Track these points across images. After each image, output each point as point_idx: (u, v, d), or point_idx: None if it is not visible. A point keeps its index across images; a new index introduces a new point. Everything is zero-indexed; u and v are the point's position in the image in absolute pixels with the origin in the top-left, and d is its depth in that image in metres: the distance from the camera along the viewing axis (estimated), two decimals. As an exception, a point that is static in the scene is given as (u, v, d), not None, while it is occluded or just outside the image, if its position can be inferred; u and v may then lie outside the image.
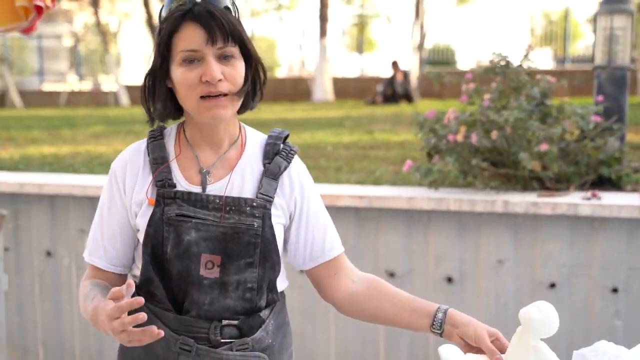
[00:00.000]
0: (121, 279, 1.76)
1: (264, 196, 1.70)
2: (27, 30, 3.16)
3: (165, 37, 1.64)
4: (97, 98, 23.68)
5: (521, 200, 3.55)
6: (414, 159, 4.12)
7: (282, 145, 1.77)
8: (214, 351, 1.68)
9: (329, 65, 17.34)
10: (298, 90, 18.35)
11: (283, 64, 33.13)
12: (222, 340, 1.69)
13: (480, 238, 3.66)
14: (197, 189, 1.69)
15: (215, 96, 1.62)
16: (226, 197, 1.68)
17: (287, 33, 36.45)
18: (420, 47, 17.48)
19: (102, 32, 22.73)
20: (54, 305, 4.32)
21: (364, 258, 3.83)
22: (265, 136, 1.80)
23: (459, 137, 3.59)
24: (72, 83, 30.60)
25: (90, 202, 4.13)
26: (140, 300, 1.44)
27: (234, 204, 1.68)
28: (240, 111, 1.73)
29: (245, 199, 1.69)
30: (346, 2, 26.17)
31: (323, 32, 17.19)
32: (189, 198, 1.68)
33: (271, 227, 1.69)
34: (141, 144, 1.75)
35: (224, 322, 1.69)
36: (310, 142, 6.65)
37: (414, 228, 3.75)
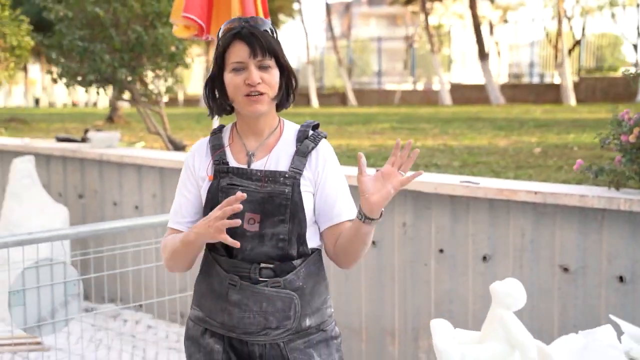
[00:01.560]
0: None
1: (294, 170, 2.22)
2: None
3: (220, 52, 2.22)
4: (428, 97, 24.78)
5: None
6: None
7: (311, 132, 2.29)
8: (254, 287, 2.20)
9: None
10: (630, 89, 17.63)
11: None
12: (260, 279, 2.20)
13: (655, 239, 3.63)
14: (244, 166, 2.24)
15: (255, 95, 2.17)
16: (265, 170, 2.22)
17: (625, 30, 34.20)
18: None
19: (430, 34, 23.62)
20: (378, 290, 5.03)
21: (540, 252, 3.99)
22: (299, 126, 2.31)
23: (631, 138, 3.61)
24: (407, 83, 32.12)
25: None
26: (239, 206, 2.04)
27: (271, 176, 2.21)
28: (279, 109, 2.29)
29: (280, 172, 2.21)
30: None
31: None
32: (237, 172, 2.24)
33: (299, 193, 2.20)
34: (206, 138, 2.36)
35: (262, 265, 2.21)
36: None
37: (587, 225, 3.83)
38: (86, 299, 5.93)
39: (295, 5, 33.04)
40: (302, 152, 2.25)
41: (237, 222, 2.04)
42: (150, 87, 6.38)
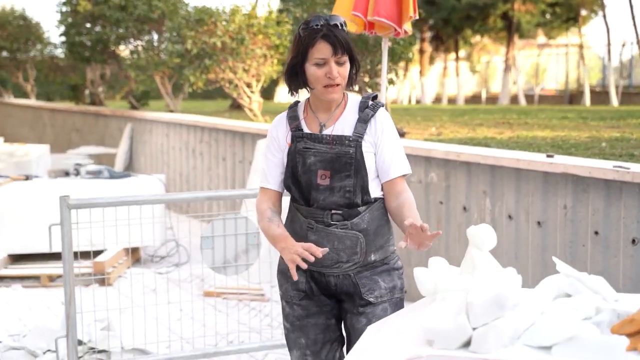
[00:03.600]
0: (277, 194, 2.86)
1: (357, 134, 2.74)
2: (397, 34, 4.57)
3: (304, 47, 2.69)
4: None
5: None
6: None
7: (370, 102, 2.78)
8: (327, 229, 2.74)
9: None
10: None
11: None
12: (332, 222, 2.74)
13: None
14: (316, 133, 2.79)
15: (333, 86, 2.69)
16: (333, 135, 2.76)
17: None
18: None
19: None
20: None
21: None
22: (361, 97, 2.82)
23: None
24: None
25: (491, 169, 5.17)
26: (311, 257, 2.58)
27: (338, 140, 2.75)
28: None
29: (345, 136, 2.74)
30: None
31: None
32: (310, 137, 2.79)
33: (361, 153, 2.73)
34: (284, 113, 2.88)
35: (333, 211, 2.74)
36: None
37: None
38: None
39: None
40: (363, 119, 2.75)
41: (295, 277, 2.61)
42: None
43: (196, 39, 8.79)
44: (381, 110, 2.79)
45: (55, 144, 15.46)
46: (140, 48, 11.74)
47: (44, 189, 6.98)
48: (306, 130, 2.80)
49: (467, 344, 1.88)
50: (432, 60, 34.01)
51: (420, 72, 31.04)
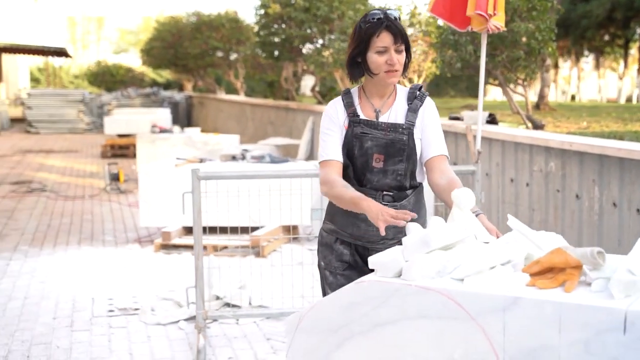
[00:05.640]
0: (340, 165, 2.99)
1: (409, 122, 2.99)
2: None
3: (367, 37, 2.90)
4: None
5: None
6: None
7: (418, 92, 3.04)
8: None
9: None
10: None
11: None
12: (383, 203, 2.93)
13: None
14: (373, 119, 3.00)
15: (393, 71, 2.93)
16: (388, 123, 2.99)
17: None
18: None
19: None
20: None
21: None
22: (408, 88, 3.08)
23: None
24: None
25: (599, 158, 5.36)
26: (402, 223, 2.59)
27: (392, 127, 2.98)
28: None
29: (399, 124, 2.98)
30: None
31: None
32: (367, 123, 2.99)
33: (413, 140, 2.98)
34: (339, 97, 3.08)
35: (384, 192, 2.98)
36: None
37: None
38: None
39: None
40: (414, 109, 2.99)
41: (403, 223, 2.58)
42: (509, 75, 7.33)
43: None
44: (427, 99, 3.03)
45: (254, 136, 16.86)
46: (321, 47, 12.59)
47: (212, 170, 7.94)
48: (362, 116, 3.00)
49: (400, 273, 2.37)
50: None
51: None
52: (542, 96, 13.34)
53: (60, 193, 11.83)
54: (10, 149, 19.57)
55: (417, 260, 2.32)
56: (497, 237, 2.57)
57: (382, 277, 2.38)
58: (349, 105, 3.05)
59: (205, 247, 7.69)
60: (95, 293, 6.22)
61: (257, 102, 17.65)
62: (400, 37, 2.91)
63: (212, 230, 7.50)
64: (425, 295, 2.27)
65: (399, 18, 3.01)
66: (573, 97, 39.06)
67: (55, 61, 43.15)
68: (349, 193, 2.86)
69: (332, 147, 3.01)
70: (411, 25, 9.43)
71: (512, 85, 7.74)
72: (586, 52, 35.32)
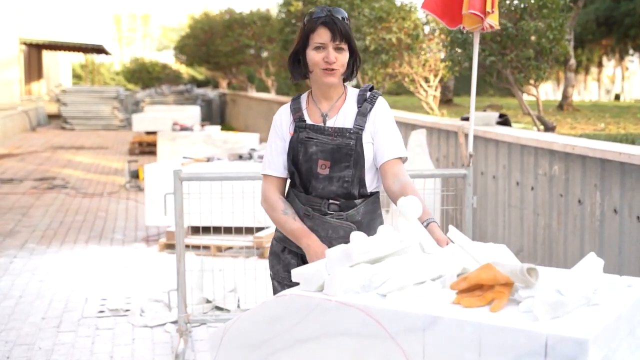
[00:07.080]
0: (282, 181, 2.92)
1: (357, 127, 2.83)
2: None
3: (307, 33, 2.80)
4: None
5: None
6: None
7: (368, 94, 2.88)
8: (322, 217, 2.83)
9: None
10: None
11: None
12: (328, 212, 2.84)
13: None
14: (319, 124, 2.86)
15: (330, 70, 2.79)
16: (334, 127, 2.84)
17: None
18: None
19: None
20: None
21: None
22: (358, 90, 2.92)
23: None
24: None
25: (601, 162, 5.14)
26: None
27: (339, 132, 2.83)
28: (345, 81, 2.91)
29: (346, 128, 2.83)
30: None
31: None
32: (313, 128, 2.85)
33: (361, 145, 2.82)
34: (288, 104, 2.96)
35: (330, 200, 2.84)
36: None
37: None
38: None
39: None
40: (363, 113, 2.83)
41: None
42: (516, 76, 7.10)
43: (375, 35, 9.26)
44: (379, 100, 2.87)
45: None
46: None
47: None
48: (308, 121, 2.88)
49: (323, 287, 2.23)
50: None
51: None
52: (565, 96, 13.00)
53: (80, 190, 11.88)
54: (43, 145, 19.79)
55: (339, 274, 2.18)
56: None
57: (303, 291, 2.25)
58: (295, 110, 2.93)
59: (209, 248, 7.63)
60: (89, 293, 6.18)
61: (284, 100, 17.58)
62: (340, 34, 2.76)
63: (217, 230, 7.42)
64: (345, 312, 2.13)
65: (346, 19, 2.85)
66: (617, 97, 38.28)
67: (95, 58, 43.72)
68: (289, 224, 2.82)
69: (273, 160, 2.93)
70: (427, 23, 9.23)
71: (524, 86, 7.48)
72: (631, 51, 34.66)
